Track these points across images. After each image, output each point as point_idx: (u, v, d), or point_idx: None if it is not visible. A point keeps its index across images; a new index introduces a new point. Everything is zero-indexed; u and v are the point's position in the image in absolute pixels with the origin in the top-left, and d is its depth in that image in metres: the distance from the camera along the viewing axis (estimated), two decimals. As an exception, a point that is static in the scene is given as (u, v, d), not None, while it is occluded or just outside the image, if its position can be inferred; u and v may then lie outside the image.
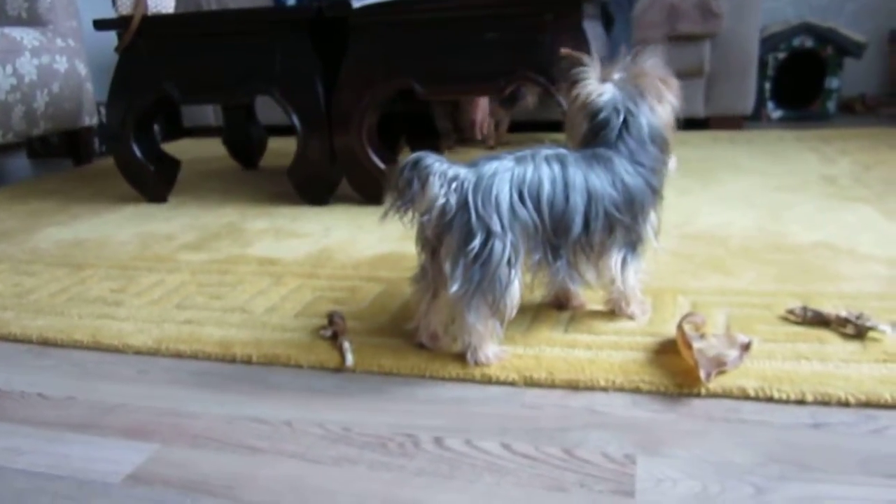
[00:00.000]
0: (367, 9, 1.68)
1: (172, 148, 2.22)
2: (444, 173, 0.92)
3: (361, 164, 1.83)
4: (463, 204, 0.91)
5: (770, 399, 0.86)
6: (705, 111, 2.79)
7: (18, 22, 2.69)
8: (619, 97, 1.02)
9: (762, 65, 2.89)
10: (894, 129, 2.58)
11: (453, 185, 0.92)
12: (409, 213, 0.94)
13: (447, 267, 0.92)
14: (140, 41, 1.92)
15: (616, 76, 1.04)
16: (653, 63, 1.04)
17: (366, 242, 1.56)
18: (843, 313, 1.00)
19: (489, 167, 0.94)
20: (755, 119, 2.97)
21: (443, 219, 0.92)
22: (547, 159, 0.96)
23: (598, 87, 1.03)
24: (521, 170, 0.94)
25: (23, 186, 2.53)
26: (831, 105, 2.97)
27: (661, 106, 1.05)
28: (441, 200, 0.91)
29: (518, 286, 0.94)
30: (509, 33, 1.65)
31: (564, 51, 1.07)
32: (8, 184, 2.64)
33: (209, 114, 3.41)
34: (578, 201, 0.95)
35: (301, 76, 1.81)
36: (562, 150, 0.99)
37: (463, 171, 0.93)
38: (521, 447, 0.80)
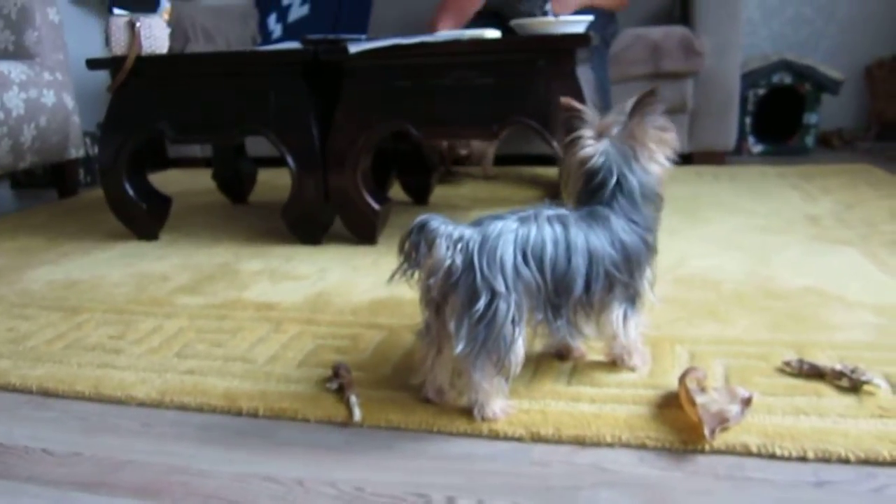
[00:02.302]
0: (362, 53, 1.71)
1: (158, 179, 2.22)
2: (449, 235, 0.94)
3: (356, 205, 1.85)
4: (468, 264, 0.93)
5: (773, 456, 0.88)
6: (689, 146, 2.84)
7: (5, 55, 2.69)
8: (613, 159, 1.04)
9: (743, 100, 2.96)
10: (871, 165, 2.66)
11: (458, 246, 0.94)
12: (416, 275, 0.96)
13: (452, 326, 0.94)
14: (134, 80, 1.93)
15: (614, 131, 1.06)
16: (650, 117, 1.05)
17: (363, 286, 1.58)
18: (838, 366, 1.03)
19: (494, 227, 0.96)
20: (736, 153, 3.03)
21: (448, 279, 0.94)
22: (549, 220, 0.98)
23: (595, 146, 1.05)
24: (525, 230, 0.96)
25: (9, 220, 2.51)
26: (810, 140, 3.04)
27: (654, 164, 1.07)
28: (447, 262, 0.93)
29: (522, 344, 0.96)
30: (503, 78, 1.69)
31: (564, 100, 1.09)
32: (-7, 217, 2.62)
33: (194, 145, 3.41)
34: (580, 263, 0.97)
35: (296, 117, 1.83)
36: (562, 211, 1.01)
37: (468, 232, 0.95)
38: (533, 508, 0.82)
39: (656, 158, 1.06)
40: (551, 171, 2.79)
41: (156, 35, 1.95)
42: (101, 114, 2.00)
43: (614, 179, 1.03)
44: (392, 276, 0.95)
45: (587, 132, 1.05)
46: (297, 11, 3.43)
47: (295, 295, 1.54)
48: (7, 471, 0.97)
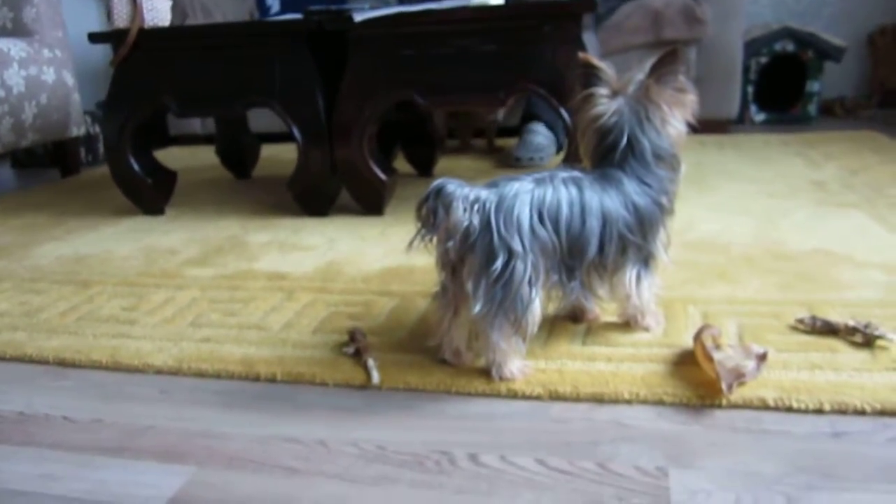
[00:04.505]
0: (367, 22, 1.70)
1: (161, 156, 2.21)
2: (466, 197, 0.94)
3: (362, 175, 1.85)
4: (485, 225, 0.93)
5: (789, 409, 0.89)
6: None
7: (3, 32, 2.67)
8: (625, 119, 1.03)
9: (745, 69, 2.95)
10: (874, 133, 2.65)
11: (475, 207, 0.94)
12: (434, 240, 0.96)
13: (469, 287, 0.95)
14: (137, 54, 1.92)
15: (630, 89, 1.04)
16: (668, 78, 1.03)
17: (372, 255, 1.58)
18: (851, 322, 1.04)
19: (510, 188, 0.96)
20: (739, 122, 3.02)
21: (466, 240, 0.94)
22: (564, 181, 0.99)
23: (608, 104, 1.05)
24: (541, 191, 0.97)
25: (13, 199, 2.50)
26: (812, 108, 3.04)
27: (668, 126, 1.07)
28: (465, 223, 0.94)
29: (539, 305, 0.96)
30: (509, 45, 1.68)
31: (583, 56, 1.08)
32: (-4, 196, 2.62)
33: (196, 122, 3.40)
34: (594, 224, 0.98)
35: (301, 88, 1.82)
36: (577, 173, 1.01)
37: (484, 193, 0.95)
38: (555, 462, 0.83)
39: (670, 120, 1.05)
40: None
41: (158, 8, 1.93)
42: (99, 93, 1.99)
43: (625, 140, 1.03)
44: (411, 243, 0.96)
45: (602, 90, 1.05)
46: (295, -15, 3.40)
47: (305, 265, 1.55)
48: (29, 438, 0.98)
